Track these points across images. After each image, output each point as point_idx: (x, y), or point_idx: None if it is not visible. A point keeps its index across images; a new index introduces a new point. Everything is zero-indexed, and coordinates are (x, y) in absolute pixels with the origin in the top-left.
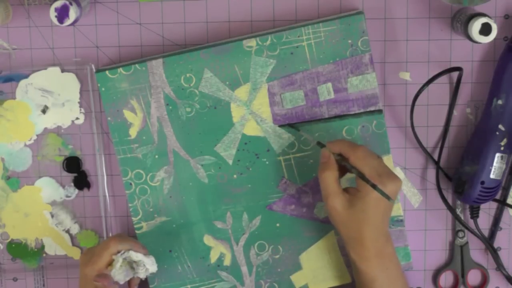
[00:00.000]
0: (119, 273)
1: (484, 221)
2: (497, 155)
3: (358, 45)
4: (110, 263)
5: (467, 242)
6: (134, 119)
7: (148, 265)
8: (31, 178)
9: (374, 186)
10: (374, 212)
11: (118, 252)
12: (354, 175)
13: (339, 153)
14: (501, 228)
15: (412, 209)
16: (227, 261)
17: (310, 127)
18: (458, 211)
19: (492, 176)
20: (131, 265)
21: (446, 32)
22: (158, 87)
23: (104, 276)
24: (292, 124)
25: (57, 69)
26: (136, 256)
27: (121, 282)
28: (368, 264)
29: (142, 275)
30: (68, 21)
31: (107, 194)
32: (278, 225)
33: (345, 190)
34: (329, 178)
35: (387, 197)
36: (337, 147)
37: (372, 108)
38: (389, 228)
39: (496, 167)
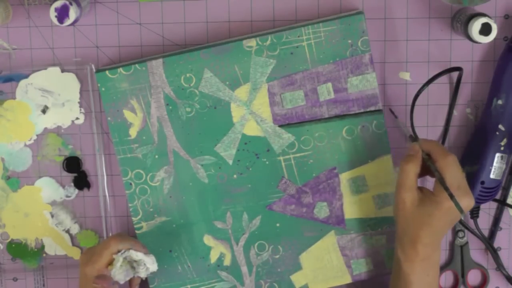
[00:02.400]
0: (119, 273)
1: (484, 221)
2: (497, 155)
3: (358, 45)
4: (111, 263)
5: (467, 242)
6: (134, 119)
7: (148, 264)
8: (31, 178)
9: (451, 196)
10: (440, 220)
11: (119, 251)
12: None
13: (428, 153)
14: (501, 228)
15: None
16: (227, 261)
17: (310, 127)
18: None
19: (492, 176)
20: (132, 264)
21: (446, 32)
22: (158, 87)
23: (103, 278)
24: (391, 110)
25: (57, 69)
26: (137, 255)
27: (122, 282)
28: (411, 266)
29: (142, 274)
30: (68, 21)
31: (107, 194)
32: (278, 225)
33: (420, 188)
34: (410, 171)
35: (460, 210)
36: (429, 146)
37: (372, 108)
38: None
39: (496, 167)
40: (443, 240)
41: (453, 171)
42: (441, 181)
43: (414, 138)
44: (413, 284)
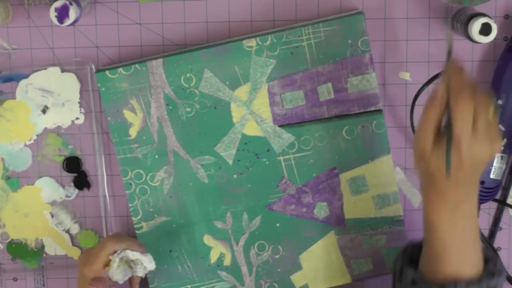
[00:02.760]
0: (117, 273)
1: (484, 221)
2: (497, 155)
3: (358, 45)
4: (108, 263)
5: None
6: (134, 119)
7: (146, 263)
8: (31, 178)
9: (447, 153)
10: (455, 169)
11: (115, 252)
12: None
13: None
14: (501, 228)
15: (412, 209)
16: (227, 261)
17: (310, 127)
18: None
19: (492, 176)
20: (129, 264)
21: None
22: (158, 87)
23: (99, 280)
24: (449, 53)
25: (57, 69)
26: (133, 255)
27: (121, 282)
28: (436, 214)
29: (140, 273)
30: (68, 21)
31: (107, 194)
32: (278, 225)
33: (441, 131)
34: (430, 114)
35: (448, 171)
36: (451, 75)
37: (372, 108)
38: (477, 186)
39: (496, 167)
40: None
41: (463, 111)
42: (449, 127)
43: (448, 56)
44: (438, 233)
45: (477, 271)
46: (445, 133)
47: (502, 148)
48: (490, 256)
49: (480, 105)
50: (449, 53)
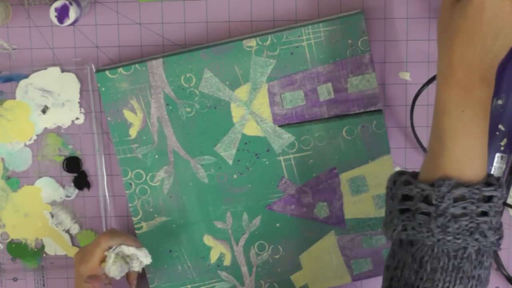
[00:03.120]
0: (114, 269)
1: None
2: (497, 155)
3: (358, 45)
4: (104, 260)
5: None
6: (134, 119)
7: (141, 258)
8: (31, 178)
9: None
10: (473, 21)
11: (110, 248)
12: None
13: None
14: None
15: None
16: (227, 261)
17: (310, 127)
18: None
19: None
20: (125, 259)
21: None
22: (158, 87)
23: (95, 278)
24: None
25: (57, 69)
26: (128, 250)
27: (118, 277)
28: (446, 89)
29: (137, 268)
30: (68, 21)
31: (107, 194)
32: (278, 225)
33: None
34: None
35: None
36: None
37: (372, 108)
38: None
39: (496, 167)
40: None
41: None
42: None
43: None
44: (445, 113)
45: (476, 178)
46: None
47: None
48: (495, 178)
49: None
50: None
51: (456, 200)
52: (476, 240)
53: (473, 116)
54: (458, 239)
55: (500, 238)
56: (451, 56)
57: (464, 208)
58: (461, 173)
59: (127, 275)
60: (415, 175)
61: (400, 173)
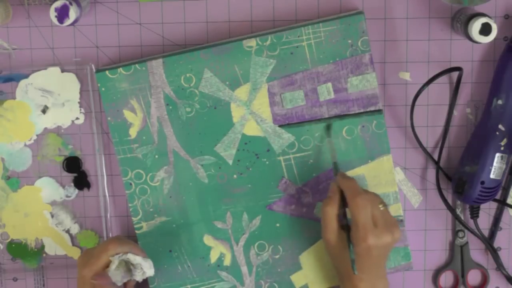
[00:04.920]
0: (115, 275)
1: (484, 221)
2: (497, 155)
3: (358, 45)
4: (108, 266)
5: (467, 242)
6: (134, 119)
7: (145, 269)
8: (31, 178)
9: (348, 242)
10: (365, 258)
11: (117, 254)
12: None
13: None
14: (501, 228)
15: (412, 209)
16: (227, 261)
17: (310, 127)
18: (458, 211)
19: (492, 176)
20: (128, 267)
21: (446, 32)
22: (158, 87)
23: (103, 275)
24: (328, 126)
25: (57, 69)
26: (135, 258)
27: (119, 284)
28: None
29: (138, 277)
30: (68, 21)
31: (107, 194)
32: (278, 225)
33: (347, 226)
34: (329, 213)
35: (353, 268)
36: (344, 185)
37: (372, 108)
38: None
39: (496, 167)
40: (443, 240)
41: (364, 211)
42: (348, 228)
43: (336, 167)
44: None
45: None
46: (345, 235)
47: (401, 237)
48: None
49: (372, 201)
50: (335, 164)
51: None
52: None
53: None
54: None
55: None
56: (352, 280)
57: None
58: None
59: (125, 284)
60: None
61: None
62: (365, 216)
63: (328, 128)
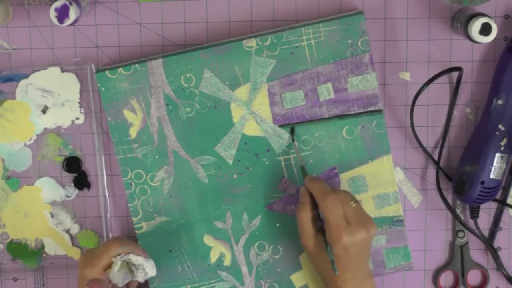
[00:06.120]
0: (117, 276)
1: (484, 221)
2: (497, 155)
3: (358, 45)
4: (109, 266)
5: (467, 242)
6: (134, 119)
7: (147, 269)
8: (31, 178)
9: (326, 244)
10: (344, 258)
11: (118, 255)
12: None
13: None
14: (501, 228)
15: (412, 209)
16: (227, 261)
17: (310, 127)
18: (458, 211)
19: (492, 176)
20: (130, 268)
21: (446, 32)
22: (158, 87)
23: (97, 282)
24: (292, 129)
25: (57, 69)
26: (136, 259)
27: (120, 285)
28: None
29: (140, 278)
30: (68, 21)
31: (107, 194)
32: (278, 225)
33: (322, 228)
34: (303, 218)
35: (333, 269)
36: (312, 187)
37: (372, 108)
38: (369, 260)
39: (496, 167)
40: (443, 240)
41: (335, 211)
42: (322, 228)
43: (304, 171)
44: None
45: None
46: (322, 237)
47: (377, 230)
48: None
49: (342, 199)
50: (302, 167)
51: None
52: None
53: None
54: None
55: None
56: (336, 282)
57: None
58: None
59: (127, 285)
60: None
61: None
62: (337, 215)
63: (292, 132)
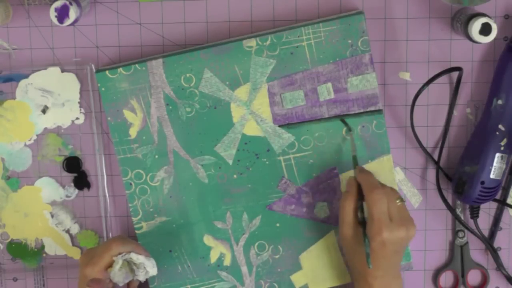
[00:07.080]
0: (118, 275)
1: (484, 221)
2: (497, 155)
3: (358, 45)
4: (110, 265)
5: (467, 242)
6: (134, 119)
7: (148, 268)
8: (31, 178)
9: (364, 236)
10: (380, 253)
11: (119, 253)
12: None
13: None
14: (501, 228)
15: (412, 209)
16: (227, 261)
17: (310, 127)
18: (458, 211)
19: (492, 176)
20: (131, 267)
21: (446, 32)
22: (158, 87)
23: (97, 281)
24: (343, 120)
25: (57, 69)
26: (137, 258)
27: (121, 284)
28: None
29: (141, 277)
30: (68, 21)
31: (107, 194)
32: (278, 225)
33: (364, 221)
34: (346, 207)
35: (368, 262)
36: (361, 179)
37: (372, 108)
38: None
39: (496, 167)
40: (443, 240)
41: (380, 206)
42: (363, 221)
43: (355, 161)
44: None
45: None
46: (361, 229)
47: (414, 234)
48: None
49: (389, 196)
50: (354, 158)
51: None
52: None
53: None
54: None
55: None
56: (366, 277)
57: None
58: None
59: (128, 284)
60: None
61: None
62: (381, 210)
63: (344, 122)
